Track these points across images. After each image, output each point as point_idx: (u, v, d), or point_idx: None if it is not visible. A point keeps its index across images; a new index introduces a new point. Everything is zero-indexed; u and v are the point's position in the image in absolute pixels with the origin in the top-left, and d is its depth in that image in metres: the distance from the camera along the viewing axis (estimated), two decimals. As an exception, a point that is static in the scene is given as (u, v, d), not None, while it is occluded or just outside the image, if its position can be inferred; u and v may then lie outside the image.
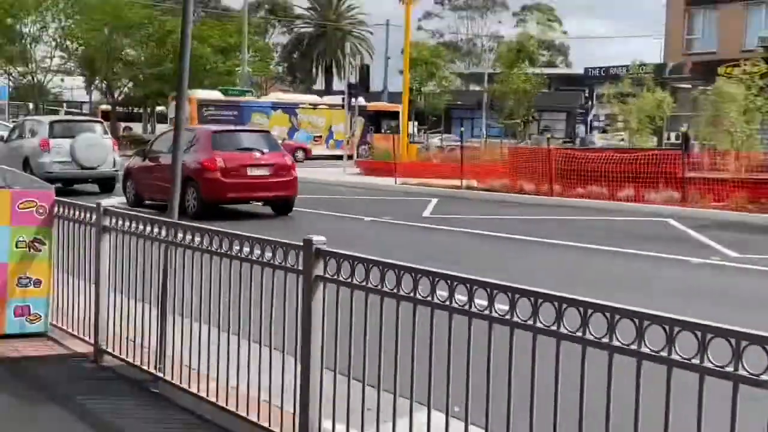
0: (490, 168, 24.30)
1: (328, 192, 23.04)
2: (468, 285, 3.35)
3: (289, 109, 40.75)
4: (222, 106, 37.95)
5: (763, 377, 2.51)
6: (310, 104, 43.10)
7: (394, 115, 43.69)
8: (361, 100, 40.77)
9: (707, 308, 8.38)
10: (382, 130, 39.42)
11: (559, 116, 76.44)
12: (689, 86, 37.19)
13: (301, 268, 4.10)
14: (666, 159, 19.19)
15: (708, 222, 16.63)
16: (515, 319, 3.18)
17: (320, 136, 38.65)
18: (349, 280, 3.89)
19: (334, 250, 4.00)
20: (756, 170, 19.55)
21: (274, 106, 38.27)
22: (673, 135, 36.93)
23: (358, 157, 32.48)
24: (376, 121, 43.27)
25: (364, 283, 3.81)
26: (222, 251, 4.64)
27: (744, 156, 20.58)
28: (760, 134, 28.42)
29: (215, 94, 39.80)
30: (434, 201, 20.40)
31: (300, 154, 35.82)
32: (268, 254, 4.33)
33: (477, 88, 62.84)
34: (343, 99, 33.30)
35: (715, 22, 39.01)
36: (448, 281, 3.43)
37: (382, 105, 45.23)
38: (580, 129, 47.82)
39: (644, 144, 25.65)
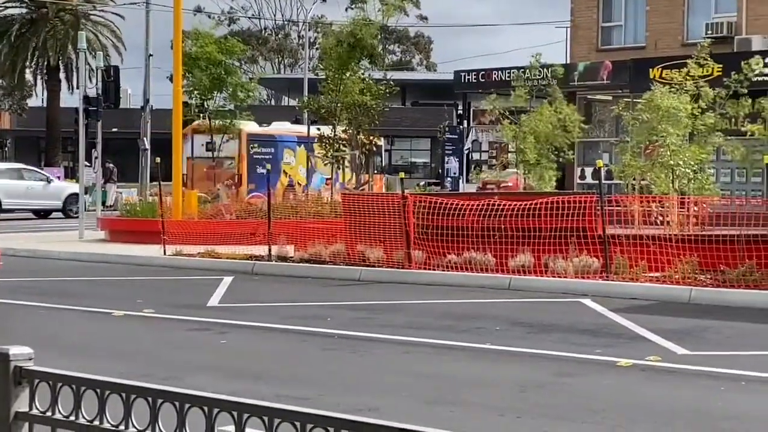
0: (315, 227, 24.55)
1: (56, 271, 22.92)
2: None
3: (308, 143, 44.43)
4: (265, 141, 42.16)
5: None
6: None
7: (377, 149, 46.20)
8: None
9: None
10: (372, 170, 42.06)
11: (420, 144, 78.57)
12: (608, 98, 38.85)
13: (-9, 401, 4.09)
14: (577, 208, 19.77)
15: (641, 302, 17.18)
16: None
17: (330, 179, 41.11)
18: (72, 417, 3.87)
19: (50, 370, 3.97)
20: (710, 223, 20.34)
21: (299, 140, 41.79)
22: (588, 171, 38.37)
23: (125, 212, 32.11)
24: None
25: (97, 423, 3.80)
26: None
27: (692, 201, 21.40)
28: (713, 168, 29.82)
29: (256, 126, 43.27)
30: (227, 281, 20.72)
31: None
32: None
33: (294, 102, 63.36)
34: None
35: (642, 3, 41.00)
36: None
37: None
38: (452, 163, 49.11)
39: (545, 185, 26.38)
